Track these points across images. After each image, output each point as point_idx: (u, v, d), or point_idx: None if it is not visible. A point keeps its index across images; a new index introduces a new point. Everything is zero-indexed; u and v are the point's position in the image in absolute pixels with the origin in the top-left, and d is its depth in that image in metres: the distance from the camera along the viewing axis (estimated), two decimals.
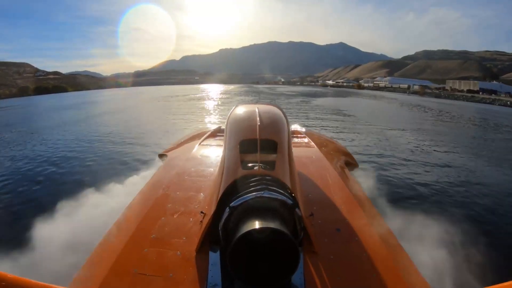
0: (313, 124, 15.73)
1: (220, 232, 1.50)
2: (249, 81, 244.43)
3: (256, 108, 2.27)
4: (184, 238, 1.76)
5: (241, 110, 2.40)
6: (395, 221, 3.39)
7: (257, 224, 1.27)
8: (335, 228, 1.87)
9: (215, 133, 4.36)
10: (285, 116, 2.41)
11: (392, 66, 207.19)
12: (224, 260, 1.53)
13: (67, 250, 2.34)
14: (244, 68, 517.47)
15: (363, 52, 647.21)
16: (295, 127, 5.23)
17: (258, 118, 2.06)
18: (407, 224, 3.49)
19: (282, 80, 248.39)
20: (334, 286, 1.45)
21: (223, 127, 3.39)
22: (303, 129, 4.98)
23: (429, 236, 3.44)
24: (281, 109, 2.51)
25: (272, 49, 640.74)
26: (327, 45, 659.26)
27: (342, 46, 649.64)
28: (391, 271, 1.56)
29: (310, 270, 1.52)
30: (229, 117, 2.41)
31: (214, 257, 1.58)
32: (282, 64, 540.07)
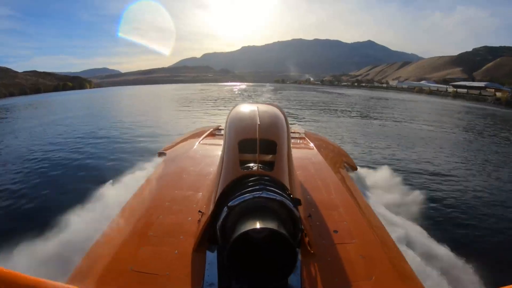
0: None
1: (218, 231, 1.45)
2: (271, 80, 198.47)
3: (256, 108, 2.15)
4: (182, 237, 1.70)
5: (241, 109, 2.27)
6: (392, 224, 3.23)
7: (255, 224, 1.23)
8: (332, 229, 1.82)
9: (215, 132, 4.25)
10: (285, 117, 2.29)
11: (462, 63, 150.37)
12: (221, 260, 1.49)
13: (63, 247, 2.33)
14: (268, 65, 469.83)
15: (393, 50, 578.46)
16: (294, 127, 4.96)
17: (258, 118, 1.95)
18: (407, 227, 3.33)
19: (312, 78, 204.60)
20: (331, 287, 1.42)
21: (223, 126, 3.30)
22: (303, 130, 4.81)
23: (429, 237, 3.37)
24: (280, 109, 2.41)
25: (297, 46, 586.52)
26: (354, 43, 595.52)
27: (370, 44, 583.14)
28: (388, 273, 1.53)
29: (307, 271, 1.48)
30: (229, 116, 2.29)
31: (211, 256, 1.54)
32: (308, 62, 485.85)
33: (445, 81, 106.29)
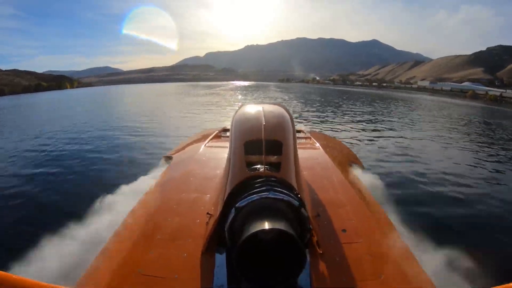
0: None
1: (226, 233, 1.45)
2: (275, 79, 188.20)
3: (261, 108, 2.15)
4: (190, 240, 1.71)
5: (246, 110, 2.26)
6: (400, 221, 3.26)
7: (263, 225, 1.24)
8: (341, 229, 1.80)
9: (220, 134, 4.24)
10: (290, 116, 2.29)
11: (480, 62, 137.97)
12: (230, 261, 1.50)
13: (72, 251, 2.35)
14: (271, 64, 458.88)
15: (398, 50, 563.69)
16: (300, 127, 4.94)
17: (263, 119, 1.94)
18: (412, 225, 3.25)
19: (317, 77, 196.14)
20: (340, 287, 1.42)
21: (228, 127, 3.38)
22: (308, 130, 4.71)
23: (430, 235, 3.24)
24: (286, 109, 2.41)
25: (301, 45, 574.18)
26: (359, 42, 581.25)
27: (375, 43, 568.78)
28: (398, 272, 1.52)
29: (316, 271, 1.48)
30: (234, 117, 2.28)
31: (220, 258, 1.54)
32: (312, 61, 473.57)
33: (470, 82, 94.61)
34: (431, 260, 2.21)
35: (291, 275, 1.25)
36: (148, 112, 21.48)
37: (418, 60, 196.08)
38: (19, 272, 2.38)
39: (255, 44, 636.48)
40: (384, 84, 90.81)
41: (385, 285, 1.42)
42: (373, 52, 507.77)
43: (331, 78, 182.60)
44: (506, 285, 0.62)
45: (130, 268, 1.52)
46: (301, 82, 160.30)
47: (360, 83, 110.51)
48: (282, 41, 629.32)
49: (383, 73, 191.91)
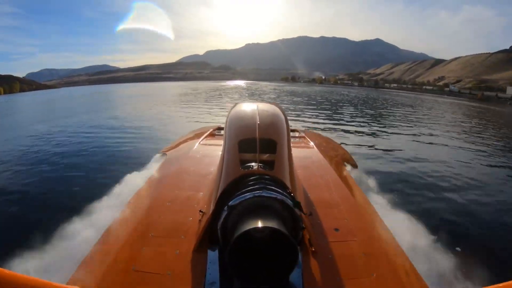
0: None
1: (218, 231, 1.42)
2: (277, 78, 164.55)
3: (255, 107, 2.13)
4: (183, 237, 1.68)
5: (240, 108, 2.24)
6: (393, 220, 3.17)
7: (256, 223, 1.21)
8: (333, 228, 1.78)
9: (215, 132, 4.17)
10: (285, 115, 2.25)
11: None
12: (222, 259, 1.47)
13: (65, 249, 2.33)
14: (273, 63, 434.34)
15: (402, 49, 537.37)
16: (294, 126, 4.82)
17: (257, 117, 1.91)
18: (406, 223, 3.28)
19: (323, 76, 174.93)
20: (332, 285, 1.40)
21: (223, 125, 3.30)
22: (303, 129, 4.67)
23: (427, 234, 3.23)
24: (280, 108, 2.37)
25: (303, 44, 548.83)
26: (362, 41, 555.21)
27: (379, 42, 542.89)
28: (390, 271, 1.50)
29: (308, 269, 1.46)
30: (228, 115, 2.24)
31: (213, 256, 1.52)
32: (315, 59, 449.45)
33: None
34: (426, 258, 2.18)
35: (283, 273, 1.23)
36: None
37: (440, 59, 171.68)
38: (10, 267, 2.43)
39: (255, 42, 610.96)
40: (447, 89, 62.60)
41: (377, 283, 1.40)
42: (376, 51, 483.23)
43: (340, 77, 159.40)
44: (506, 283, 0.60)
45: (123, 265, 1.49)
46: (312, 81, 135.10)
47: (396, 84, 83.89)
48: (283, 39, 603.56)
49: (399, 72, 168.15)
